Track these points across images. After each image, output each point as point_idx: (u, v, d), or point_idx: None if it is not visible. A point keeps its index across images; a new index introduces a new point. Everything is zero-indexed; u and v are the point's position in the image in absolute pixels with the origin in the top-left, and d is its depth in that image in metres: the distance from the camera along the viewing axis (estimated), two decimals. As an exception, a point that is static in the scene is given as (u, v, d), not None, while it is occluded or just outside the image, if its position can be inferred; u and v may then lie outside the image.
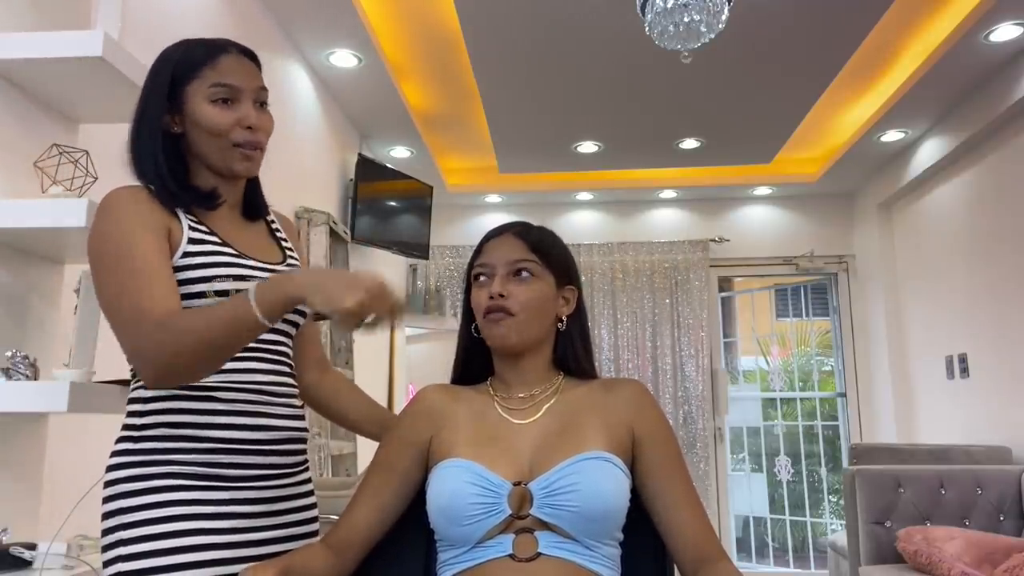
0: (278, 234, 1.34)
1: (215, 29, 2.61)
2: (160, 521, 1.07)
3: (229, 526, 1.11)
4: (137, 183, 1.19)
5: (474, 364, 1.29)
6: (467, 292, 1.27)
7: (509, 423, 1.18)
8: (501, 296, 1.18)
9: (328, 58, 3.48)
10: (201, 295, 1.13)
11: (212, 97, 1.17)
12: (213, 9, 2.62)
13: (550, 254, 1.24)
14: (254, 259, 1.21)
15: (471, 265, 1.27)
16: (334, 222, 3.68)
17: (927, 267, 4.66)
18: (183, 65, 1.19)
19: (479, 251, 1.26)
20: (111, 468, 1.12)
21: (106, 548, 1.09)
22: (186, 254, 1.14)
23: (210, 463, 1.11)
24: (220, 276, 1.14)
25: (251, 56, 1.24)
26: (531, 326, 1.20)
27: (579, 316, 1.27)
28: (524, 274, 1.21)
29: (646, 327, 5.42)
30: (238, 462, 1.14)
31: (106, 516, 1.10)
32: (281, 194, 3.28)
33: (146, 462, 1.10)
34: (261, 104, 1.22)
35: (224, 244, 1.19)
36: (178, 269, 1.13)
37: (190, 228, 1.16)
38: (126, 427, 1.15)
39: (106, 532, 1.10)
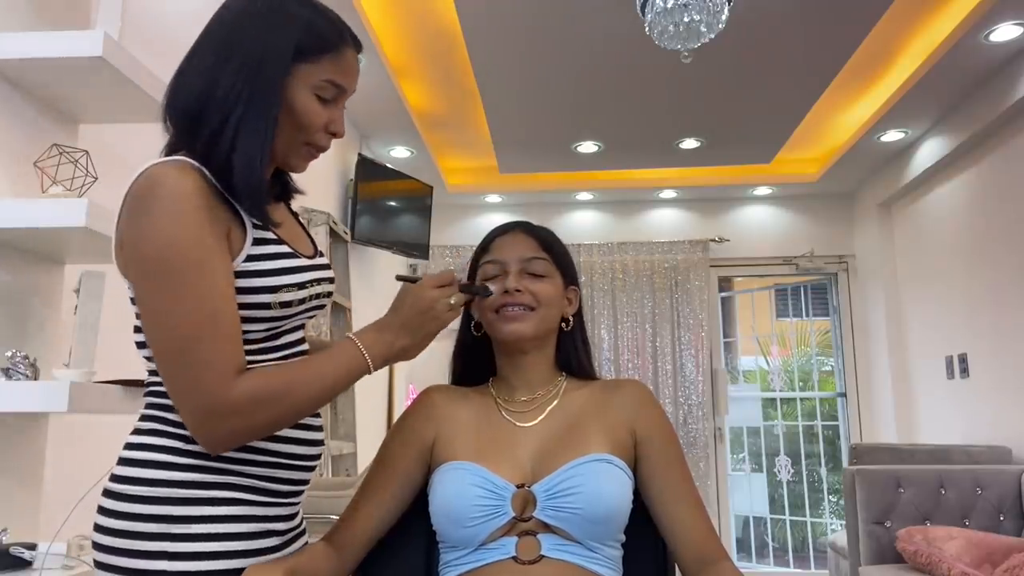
0: (292, 208, 1.21)
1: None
2: (216, 538, 0.96)
3: (268, 545, 1.03)
4: (178, 159, 0.97)
5: (473, 364, 1.29)
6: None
7: (512, 425, 1.19)
8: (518, 291, 1.18)
9: (328, 58, 3.48)
10: (266, 306, 1.00)
11: (320, 91, 1.03)
12: (213, 10, 2.62)
13: (559, 253, 1.25)
14: (303, 255, 1.08)
15: (476, 262, 1.26)
16: (334, 222, 3.68)
17: (927, 267, 4.66)
18: (311, 39, 1.02)
19: (486, 248, 1.25)
20: (152, 464, 0.97)
21: (144, 554, 0.94)
22: (251, 257, 1.00)
23: (267, 476, 1.03)
24: (287, 285, 1.02)
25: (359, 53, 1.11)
26: (546, 321, 1.21)
27: (580, 317, 1.28)
28: (540, 275, 1.21)
29: (646, 327, 5.42)
30: (290, 477, 1.06)
31: (145, 519, 0.95)
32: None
33: (206, 468, 0.97)
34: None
35: (281, 241, 1.05)
36: (242, 275, 0.98)
37: (253, 226, 1.01)
38: (173, 424, 0.99)
39: (142, 536, 0.94)
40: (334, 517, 2.73)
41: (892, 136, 4.43)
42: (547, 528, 1.09)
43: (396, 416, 4.82)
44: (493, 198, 5.58)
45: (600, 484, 1.09)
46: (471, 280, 1.25)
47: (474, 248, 1.29)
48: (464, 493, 1.09)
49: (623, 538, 1.15)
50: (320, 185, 3.83)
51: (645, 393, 1.22)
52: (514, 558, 1.08)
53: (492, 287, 1.20)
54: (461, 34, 3.33)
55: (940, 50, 3.43)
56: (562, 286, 1.24)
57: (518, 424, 1.19)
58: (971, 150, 4.10)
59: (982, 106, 3.78)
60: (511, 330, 1.18)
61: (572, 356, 1.26)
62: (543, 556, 1.08)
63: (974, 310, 4.12)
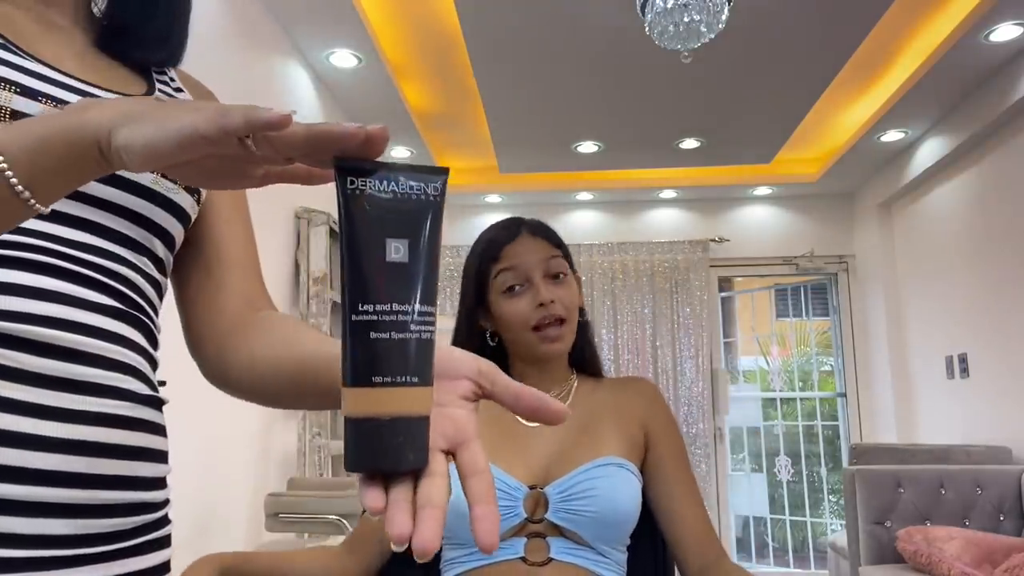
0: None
1: (216, 29, 2.61)
2: None
3: None
4: None
5: None
6: (476, 295, 1.20)
7: (525, 426, 1.17)
8: (552, 302, 1.14)
9: (328, 58, 3.48)
10: None
11: None
12: (214, 9, 2.62)
13: (566, 247, 1.23)
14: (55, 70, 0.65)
15: (483, 271, 1.18)
16: (334, 222, 3.68)
17: (927, 267, 4.66)
18: None
19: (496, 257, 1.17)
20: None
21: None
22: None
23: None
24: None
25: None
26: (575, 329, 1.19)
27: (584, 310, 1.27)
28: (561, 275, 1.17)
29: (646, 327, 5.42)
30: None
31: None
32: (281, 194, 3.28)
33: None
34: None
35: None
36: None
37: None
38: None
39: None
40: (333, 517, 2.73)
41: (892, 136, 4.43)
42: (557, 530, 1.08)
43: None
44: (493, 198, 5.58)
45: (614, 488, 1.08)
46: (476, 288, 1.19)
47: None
48: None
49: (629, 541, 1.15)
50: (320, 185, 3.82)
51: (655, 392, 1.23)
52: (523, 559, 1.07)
53: (517, 299, 1.15)
54: (461, 34, 3.33)
55: (940, 50, 3.43)
56: (575, 280, 1.21)
57: (531, 424, 1.16)
58: (971, 150, 4.10)
59: (982, 106, 3.78)
60: (552, 350, 1.16)
61: (585, 351, 1.25)
62: (552, 559, 1.07)
63: (974, 310, 4.12)
